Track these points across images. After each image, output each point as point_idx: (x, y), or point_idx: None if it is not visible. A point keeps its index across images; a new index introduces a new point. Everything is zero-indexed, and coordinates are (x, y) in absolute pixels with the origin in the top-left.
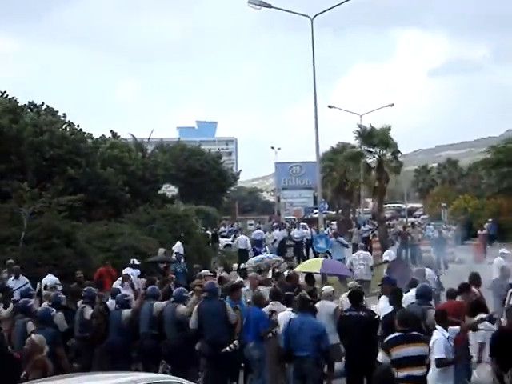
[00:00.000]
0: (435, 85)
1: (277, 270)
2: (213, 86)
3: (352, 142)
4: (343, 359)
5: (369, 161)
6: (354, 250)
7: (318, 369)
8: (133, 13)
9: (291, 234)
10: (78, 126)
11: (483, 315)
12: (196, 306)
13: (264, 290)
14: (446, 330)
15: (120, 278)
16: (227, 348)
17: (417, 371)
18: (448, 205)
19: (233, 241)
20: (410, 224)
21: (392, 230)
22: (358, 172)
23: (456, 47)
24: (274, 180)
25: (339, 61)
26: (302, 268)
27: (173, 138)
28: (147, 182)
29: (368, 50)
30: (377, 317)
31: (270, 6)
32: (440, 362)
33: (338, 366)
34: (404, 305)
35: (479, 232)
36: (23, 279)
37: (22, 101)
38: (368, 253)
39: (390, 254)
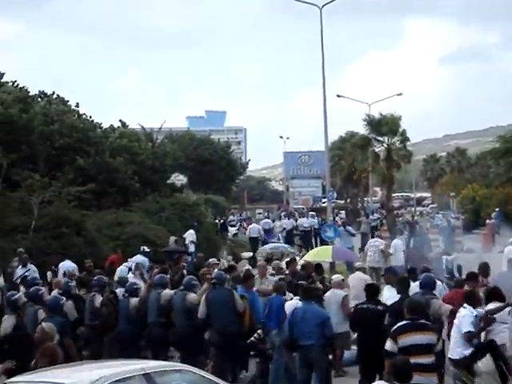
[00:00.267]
0: (444, 73)
1: (287, 259)
2: (221, 75)
3: (360, 130)
4: (352, 348)
5: (377, 149)
6: (363, 239)
7: (324, 357)
8: (142, 0)
9: (299, 222)
10: (87, 115)
11: (498, 304)
12: (204, 296)
13: (272, 279)
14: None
15: (125, 264)
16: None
17: (425, 359)
18: (456, 194)
19: (238, 229)
20: (418, 213)
21: (400, 219)
22: (366, 161)
23: (466, 35)
24: (282, 169)
25: (348, 50)
26: (310, 257)
27: (182, 127)
28: (156, 171)
29: (377, 39)
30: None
31: None
32: (469, 336)
33: (348, 354)
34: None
35: (487, 221)
36: (31, 268)
37: (33, 90)
38: (382, 240)
39: (395, 246)
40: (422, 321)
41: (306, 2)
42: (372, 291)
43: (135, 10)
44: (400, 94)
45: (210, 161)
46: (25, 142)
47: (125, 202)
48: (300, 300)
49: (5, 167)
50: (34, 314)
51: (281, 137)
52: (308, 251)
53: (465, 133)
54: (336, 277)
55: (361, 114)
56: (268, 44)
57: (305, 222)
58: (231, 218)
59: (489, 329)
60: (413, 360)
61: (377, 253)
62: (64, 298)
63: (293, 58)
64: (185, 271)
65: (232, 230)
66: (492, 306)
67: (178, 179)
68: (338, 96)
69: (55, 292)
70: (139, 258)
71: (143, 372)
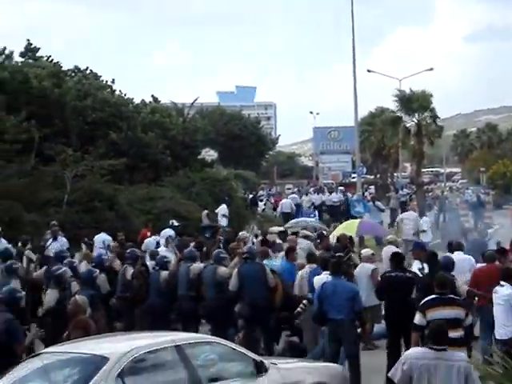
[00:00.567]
0: (476, 49)
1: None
2: (252, 50)
3: (390, 106)
4: (382, 322)
5: (407, 125)
6: (392, 215)
7: (353, 331)
8: None
9: (329, 197)
10: (121, 91)
11: None
12: (236, 269)
13: (301, 252)
14: None
15: (153, 237)
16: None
17: (453, 333)
18: (487, 169)
19: (265, 204)
20: (448, 188)
21: (430, 194)
22: (396, 136)
23: (497, 12)
24: (312, 145)
25: (378, 26)
26: (337, 232)
27: (213, 102)
28: (187, 146)
29: (408, 15)
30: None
31: None
32: None
33: (377, 327)
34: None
35: None
36: (61, 240)
37: (66, 65)
38: (416, 214)
39: (425, 222)
40: (451, 296)
41: None
42: (398, 260)
43: None
44: (431, 69)
45: (240, 136)
46: (58, 117)
47: (156, 176)
48: (330, 274)
49: (37, 141)
50: (68, 286)
51: (311, 112)
52: (336, 226)
53: (496, 108)
54: (366, 251)
55: (391, 90)
56: (298, 19)
57: (334, 197)
58: (261, 193)
59: None
60: None
61: (411, 225)
62: (97, 271)
63: (324, 34)
64: (221, 245)
65: (261, 205)
66: None
67: (209, 154)
68: (369, 71)
69: (83, 264)
70: (168, 231)
71: (174, 344)
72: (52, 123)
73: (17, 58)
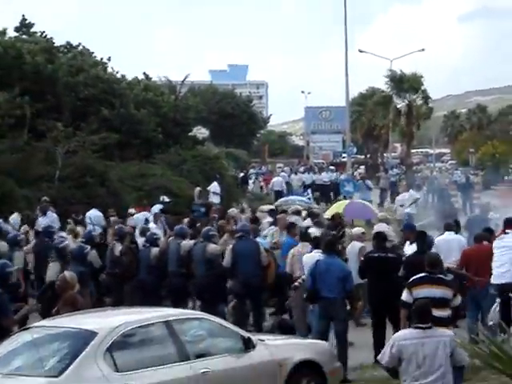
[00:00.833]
0: (466, 30)
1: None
2: (244, 29)
3: (382, 87)
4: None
5: (398, 106)
6: (382, 195)
7: (344, 309)
8: None
9: (320, 177)
10: (113, 68)
11: None
12: (230, 246)
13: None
14: None
15: (143, 213)
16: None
17: (440, 312)
18: (476, 150)
19: (254, 183)
20: (437, 169)
21: (419, 174)
22: (386, 117)
23: None
24: (303, 124)
25: (370, 5)
26: (330, 212)
27: (205, 80)
28: (178, 123)
29: None
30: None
31: None
32: None
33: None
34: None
35: (506, 178)
36: (51, 216)
37: (59, 41)
38: (411, 194)
39: (412, 195)
40: (440, 276)
41: None
42: (380, 239)
43: None
44: (422, 50)
45: (231, 115)
46: (50, 93)
47: (148, 153)
48: (323, 253)
49: (29, 117)
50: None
51: (302, 92)
52: (327, 205)
53: (486, 90)
54: (356, 229)
55: (382, 70)
56: None
57: (324, 177)
58: (251, 171)
59: None
60: None
61: (402, 207)
62: (88, 247)
63: (316, 13)
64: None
65: (250, 184)
66: None
67: (200, 132)
68: (360, 51)
69: (70, 239)
70: (157, 207)
71: (163, 319)
72: (45, 99)
73: (12, 34)
